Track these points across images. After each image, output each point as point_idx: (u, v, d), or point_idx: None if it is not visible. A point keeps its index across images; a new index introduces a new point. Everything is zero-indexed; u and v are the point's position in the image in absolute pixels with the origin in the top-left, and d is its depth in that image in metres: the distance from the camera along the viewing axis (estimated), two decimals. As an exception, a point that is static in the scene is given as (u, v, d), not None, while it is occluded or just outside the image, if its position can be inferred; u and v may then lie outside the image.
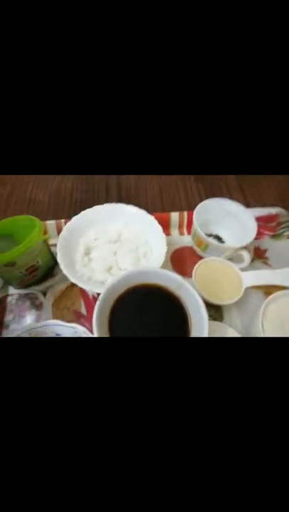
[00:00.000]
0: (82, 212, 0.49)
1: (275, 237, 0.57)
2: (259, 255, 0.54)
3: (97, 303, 0.32)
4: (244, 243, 0.46)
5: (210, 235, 0.54)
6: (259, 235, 0.56)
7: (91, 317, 0.46)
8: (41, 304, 0.47)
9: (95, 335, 0.31)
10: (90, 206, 0.51)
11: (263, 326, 0.39)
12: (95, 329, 0.31)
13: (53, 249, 0.49)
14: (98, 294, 0.46)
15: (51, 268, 0.49)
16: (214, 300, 0.44)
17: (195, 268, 0.46)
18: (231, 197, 0.54)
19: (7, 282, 0.47)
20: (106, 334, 0.32)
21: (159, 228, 0.47)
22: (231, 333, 0.41)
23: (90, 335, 0.38)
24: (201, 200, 0.50)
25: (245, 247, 0.47)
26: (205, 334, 0.30)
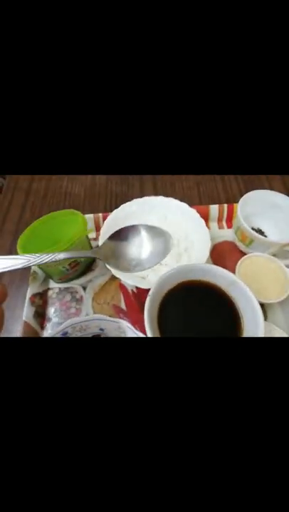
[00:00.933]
0: (122, 206, 0.49)
1: None
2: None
3: (147, 298, 0.32)
4: (292, 238, 0.43)
5: (252, 229, 0.52)
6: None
7: (130, 312, 0.46)
8: (81, 297, 0.47)
9: (147, 329, 0.30)
10: (125, 199, 0.51)
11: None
12: (147, 324, 0.30)
13: (92, 243, 0.49)
14: (137, 289, 0.46)
15: (91, 263, 0.49)
16: (259, 298, 0.42)
17: (238, 264, 0.45)
18: (272, 189, 0.51)
19: (48, 276, 0.47)
20: (156, 331, 0.32)
21: (202, 222, 0.46)
22: (279, 333, 0.40)
23: (134, 330, 0.37)
24: (240, 191, 0.48)
25: (292, 242, 0.45)
26: (260, 334, 0.29)
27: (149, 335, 0.30)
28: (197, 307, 0.34)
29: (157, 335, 0.31)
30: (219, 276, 0.34)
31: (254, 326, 0.30)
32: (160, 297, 0.34)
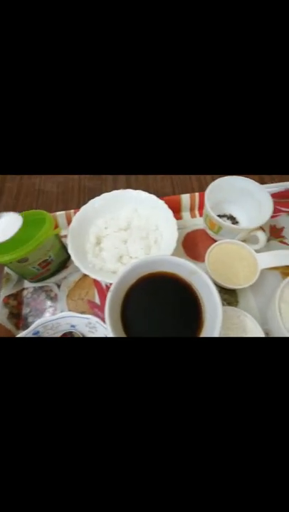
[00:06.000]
0: (91, 201, 0.49)
1: (292, 213, 0.54)
2: (275, 235, 0.52)
3: (109, 294, 0.32)
4: (259, 223, 0.43)
5: (223, 216, 0.52)
6: (276, 212, 0.54)
7: (104, 306, 0.46)
8: (56, 295, 0.47)
9: (108, 325, 0.30)
10: (99, 193, 0.50)
11: (280, 309, 0.38)
12: (108, 320, 0.30)
13: (64, 240, 0.49)
14: (111, 284, 0.47)
15: (64, 261, 0.49)
16: (229, 284, 0.43)
17: (208, 252, 0.45)
18: (246, 174, 0.51)
19: (22, 277, 0.48)
20: (119, 325, 0.32)
21: (169, 213, 0.46)
22: (249, 319, 0.40)
23: (103, 325, 0.38)
24: (213, 179, 0.48)
25: (261, 228, 0.45)
26: (219, 322, 0.30)
27: (111, 331, 0.30)
28: (160, 299, 0.34)
29: (120, 331, 0.32)
30: (180, 267, 0.34)
31: (214, 313, 0.31)
32: (123, 292, 0.34)
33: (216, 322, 0.30)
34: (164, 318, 0.33)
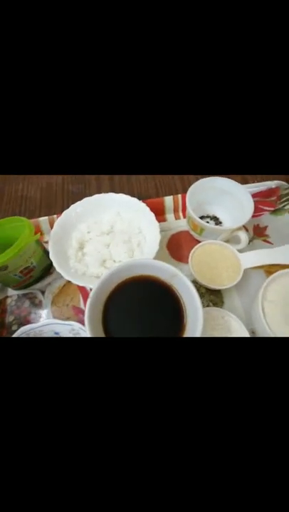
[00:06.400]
0: (72, 206, 0.48)
1: (275, 212, 0.54)
2: (259, 234, 0.52)
3: (89, 300, 0.32)
4: (240, 223, 0.44)
5: (206, 217, 0.52)
6: (258, 211, 0.54)
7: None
8: (40, 302, 0.47)
9: (87, 331, 0.30)
10: (83, 198, 0.50)
11: (263, 309, 0.38)
12: (88, 326, 0.30)
13: (47, 246, 0.49)
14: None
15: (48, 267, 0.49)
16: (213, 285, 0.43)
17: (191, 253, 0.45)
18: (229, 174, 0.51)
19: (5, 285, 0.47)
20: (100, 329, 0.32)
21: (152, 215, 0.46)
22: (233, 319, 0.40)
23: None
24: (197, 179, 0.48)
25: (243, 227, 0.45)
26: (200, 325, 0.29)
27: (90, 335, 0.30)
28: (142, 302, 0.34)
29: (101, 335, 0.31)
30: (161, 270, 0.34)
31: (195, 317, 0.31)
32: (105, 296, 0.34)
33: (197, 325, 0.30)
34: (145, 321, 0.33)
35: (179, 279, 0.33)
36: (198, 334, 0.29)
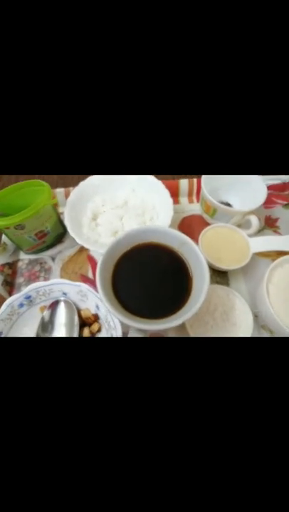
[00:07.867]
0: (89, 178, 0.50)
1: (287, 206, 0.55)
2: (270, 224, 0.53)
3: (101, 258, 0.33)
4: (253, 207, 0.44)
5: (220, 203, 0.53)
6: (271, 203, 0.55)
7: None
8: (50, 268, 0.48)
9: (99, 289, 0.31)
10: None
11: (267, 290, 0.38)
12: (99, 284, 0.31)
13: (62, 217, 0.50)
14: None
15: (60, 235, 0.50)
16: (220, 265, 0.43)
17: (201, 234, 0.46)
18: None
19: (18, 247, 0.49)
20: (109, 290, 0.33)
21: (166, 192, 0.47)
22: (238, 299, 0.41)
23: (94, 293, 0.38)
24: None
25: (254, 212, 0.46)
26: (205, 289, 0.30)
27: (102, 297, 0.31)
28: (150, 267, 0.35)
29: (111, 297, 0.32)
30: (171, 237, 0.35)
31: (201, 282, 0.32)
32: (114, 260, 0.35)
33: (204, 287, 0.30)
34: (153, 283, 0.34)
35: (188, 246, 0.34)
36: (203, 295, 0.30)
